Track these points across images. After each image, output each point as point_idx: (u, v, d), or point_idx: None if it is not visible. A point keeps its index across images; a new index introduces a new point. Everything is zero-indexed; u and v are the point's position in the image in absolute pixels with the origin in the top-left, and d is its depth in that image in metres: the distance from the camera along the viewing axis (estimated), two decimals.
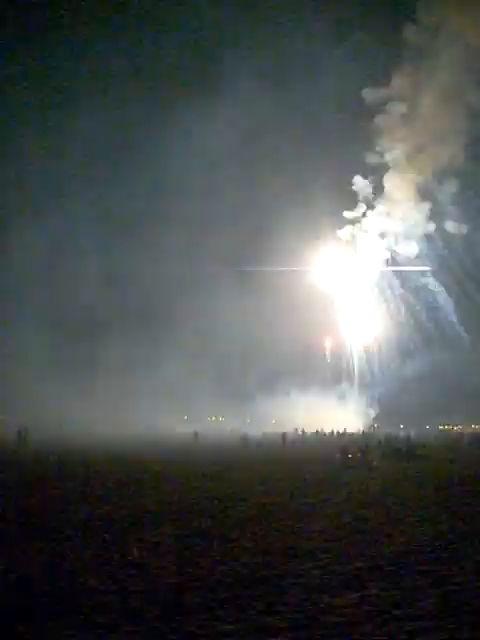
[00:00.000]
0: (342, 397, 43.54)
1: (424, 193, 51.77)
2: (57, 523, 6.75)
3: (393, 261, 51.46)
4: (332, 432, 39.79)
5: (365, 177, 52.73)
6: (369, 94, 50.76)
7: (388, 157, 52.04)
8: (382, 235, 52.04)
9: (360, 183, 52.46)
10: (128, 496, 9.35)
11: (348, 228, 51.89)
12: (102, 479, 11.80)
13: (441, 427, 42.26)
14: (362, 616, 3.43)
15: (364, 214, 52.19)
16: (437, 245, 50.73)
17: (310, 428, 40.91)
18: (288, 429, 39.04)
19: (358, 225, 51.99)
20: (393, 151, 51.97)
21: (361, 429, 40.92)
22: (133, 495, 9.50)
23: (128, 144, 51.77)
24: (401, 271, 50.64)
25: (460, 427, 41.47)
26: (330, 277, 50.23)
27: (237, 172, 50.40)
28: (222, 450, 24.41)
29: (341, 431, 39.63)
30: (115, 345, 41.42)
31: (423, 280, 49.42)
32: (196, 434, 30.35)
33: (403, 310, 48.15)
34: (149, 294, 45.39)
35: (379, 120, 51.84)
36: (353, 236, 51.89)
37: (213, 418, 43.33)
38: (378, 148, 52.17)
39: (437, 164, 51.08)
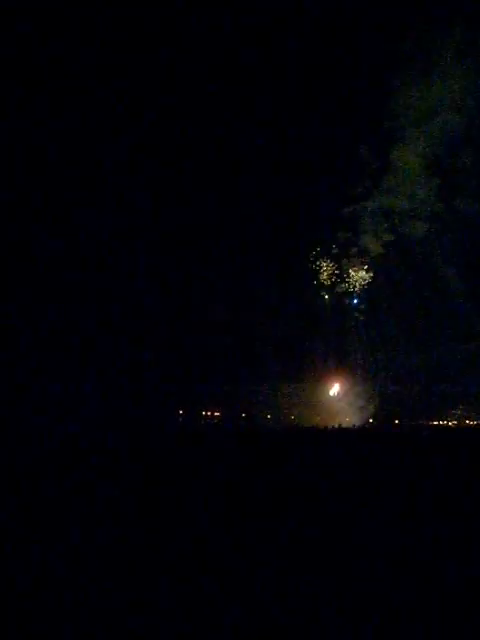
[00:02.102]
0: (342, 390, 43.39)
1: (434, 166, 48.13)
2: None
3: (398, 242, 48.85)
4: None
5: (371, 146, 49.15)
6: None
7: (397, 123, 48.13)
8: (386, 214, 49.25)
9: (365, 154, 49.06)
10: None
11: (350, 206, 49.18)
12: None
13: (436, 422, 42.31)
14: None
15: (367, 191, 49.21)
16: (447, 225, 47.65)
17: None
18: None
19: (361, 202, 49.20)
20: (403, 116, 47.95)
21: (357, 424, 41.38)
22: None
23: None
24: (407, 254, 48.10)
25: (455, 422, 41.46)
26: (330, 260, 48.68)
27: None
28: None
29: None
30: None
31: (432, 265, 46.86)
32: None
33: (410, 297, 46.25)
34: None
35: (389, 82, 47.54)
36: (356, 214, 49.30)
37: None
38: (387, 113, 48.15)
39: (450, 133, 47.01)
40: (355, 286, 47.24)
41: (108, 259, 44.00)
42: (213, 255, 46.23)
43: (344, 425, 40.02)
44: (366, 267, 46.85)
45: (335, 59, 47.53)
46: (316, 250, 47.92)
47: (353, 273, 46.54)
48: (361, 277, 46.42)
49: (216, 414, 41.90)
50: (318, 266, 47.97)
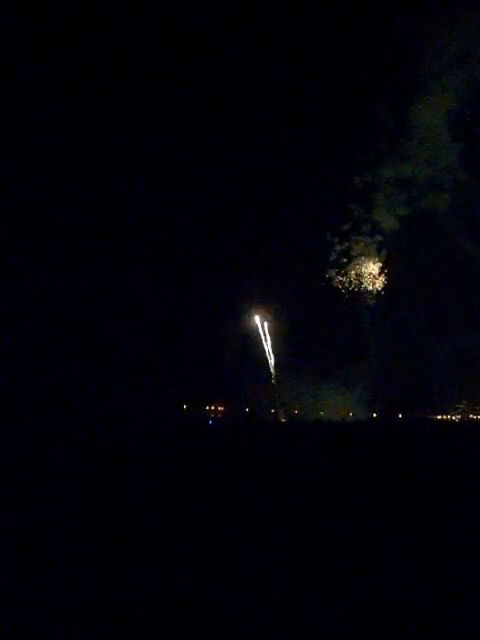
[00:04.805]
0: (348, 381, 42.46)
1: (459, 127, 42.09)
2: None
3: (418, 217, 44.18)
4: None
5: (386, 102, 42.81)
6: None
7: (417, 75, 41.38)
8: (403, 183, 44.38)
9: (380, 112, 42.95)
10: None
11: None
12: None
13: (439, 417, 41.72)
14: None
15: (383, 157, 43.98)
16: (475, 197, 42.37)
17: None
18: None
19: (375, 171, 44.28)
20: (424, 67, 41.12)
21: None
22: None
23: None
24: (427, 230, 43.38)
25: (459, 417, 40.88)
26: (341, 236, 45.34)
27: None
28: None
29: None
30: None
31: (456, 242, 42.27)
32: None
33: (429, 279, 42.58)
34: None
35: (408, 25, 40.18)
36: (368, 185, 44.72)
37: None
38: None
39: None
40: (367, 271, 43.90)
41: (112, 255, 43.20)
42: (212, 246, 44.22)
43: (348, 419, 40.42)
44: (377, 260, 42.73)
45: None
46: (324, 227, 44.50)
47: (364, 267, 42.71)
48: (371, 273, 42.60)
49: (220, 408, 42.73)
50: (328, 245, 44.78)
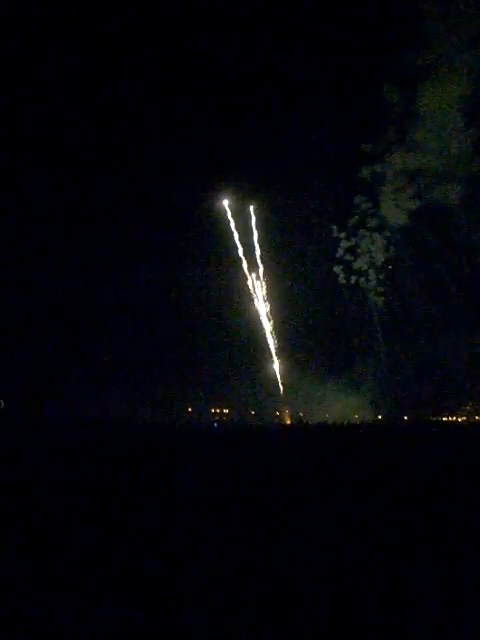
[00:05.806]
0: (353, 382, 42.04)
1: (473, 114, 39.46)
2: None
3: (426, 210, 42.12)
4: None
5: (395, 87, 39.98)
6: None
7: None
8: (412, 175, 42.15)
9: (388, 96, 40.17)
10: None
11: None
12: None
13: (445, 419, 41.43)
14: None
15: (390, 146, 41.57)
16: None
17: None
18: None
19: (382, 161, 42.01)
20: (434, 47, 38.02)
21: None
22: None
23: None
24: (437, 223, 41.32)
25: (464, 418, 40.59)
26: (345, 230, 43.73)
27: None
28: None
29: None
30: None
31: (468, 237, 40.35)
32: None
33: (439, 276, 41.06)
34: None
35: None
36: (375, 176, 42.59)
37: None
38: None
39: None
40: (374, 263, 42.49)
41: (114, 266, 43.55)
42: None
43: (352, 421, 40.50)
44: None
45: None
46: (330, 222, 42.79)
47: (371, 264, 41.05)
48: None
49: (225, 411, 42.98)
50: (333, 241, 43.15)
